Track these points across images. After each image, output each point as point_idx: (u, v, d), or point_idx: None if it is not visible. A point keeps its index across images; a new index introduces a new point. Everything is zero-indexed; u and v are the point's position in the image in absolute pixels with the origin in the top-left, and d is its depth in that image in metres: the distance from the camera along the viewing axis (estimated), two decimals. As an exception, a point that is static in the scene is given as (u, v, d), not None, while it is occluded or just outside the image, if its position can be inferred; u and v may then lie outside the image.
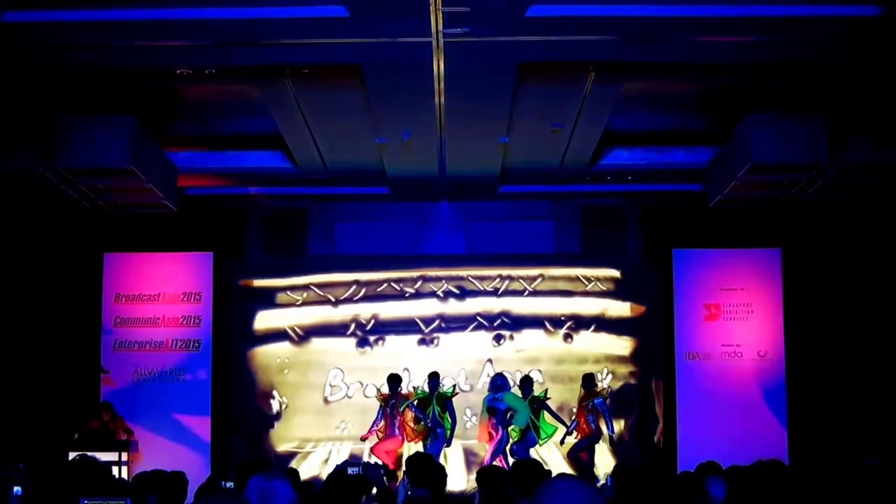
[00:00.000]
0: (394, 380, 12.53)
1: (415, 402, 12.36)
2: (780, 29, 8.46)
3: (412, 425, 12.34)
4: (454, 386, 12.91)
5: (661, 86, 10.50)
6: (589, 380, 12.72)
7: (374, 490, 6.76)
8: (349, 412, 13.65)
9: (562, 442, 12.78)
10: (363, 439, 12.73)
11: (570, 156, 12.13)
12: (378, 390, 13.09)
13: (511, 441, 12.18)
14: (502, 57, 8.96)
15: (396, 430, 12.31)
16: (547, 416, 12.50)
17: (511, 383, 12.74)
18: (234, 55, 9.09)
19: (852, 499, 4.87)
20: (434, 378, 12.57)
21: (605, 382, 13.58)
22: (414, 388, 12.83)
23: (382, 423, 12.42)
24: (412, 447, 12.26)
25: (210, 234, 13.79)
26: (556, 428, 12.53)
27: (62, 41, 8.52)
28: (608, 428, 12.52)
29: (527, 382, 12.65)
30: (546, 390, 12.86)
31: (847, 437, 12.32)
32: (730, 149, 11.26)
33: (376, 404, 12.84)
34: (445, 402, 12.39)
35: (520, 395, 12.45)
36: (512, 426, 12.17)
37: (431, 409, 12.32)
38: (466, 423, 13.24)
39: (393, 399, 12.42)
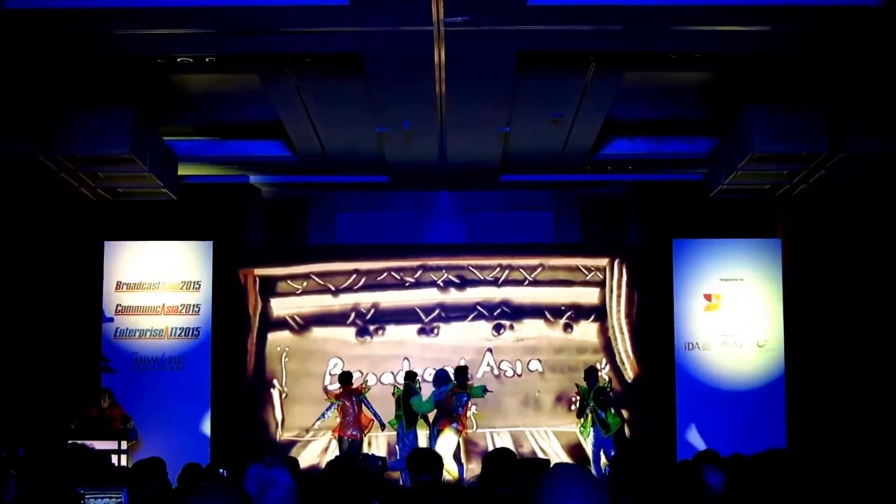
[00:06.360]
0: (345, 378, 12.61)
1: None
2: (782, 19, 8.44)
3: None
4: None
5: (661, 76, 10.49)
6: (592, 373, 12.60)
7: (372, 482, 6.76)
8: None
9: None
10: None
11: (570, 146, 12.12)
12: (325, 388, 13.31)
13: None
14: (503, 46, 8.94)
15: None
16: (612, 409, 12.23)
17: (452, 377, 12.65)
18: (235, 43, 9.07)
19: (864, 491, 4.85)
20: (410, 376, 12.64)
21: (602, 373, 13.59)
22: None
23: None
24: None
25: (210, 223, 13.79)
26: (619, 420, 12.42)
27: (63, 29, 8.51)
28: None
29: (592, 373, 12.45)
30: (610, 381, 12.80)
31: (846, 428, 12.33)
32: (730, 139, 11.26)
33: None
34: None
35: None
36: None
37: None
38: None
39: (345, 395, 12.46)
